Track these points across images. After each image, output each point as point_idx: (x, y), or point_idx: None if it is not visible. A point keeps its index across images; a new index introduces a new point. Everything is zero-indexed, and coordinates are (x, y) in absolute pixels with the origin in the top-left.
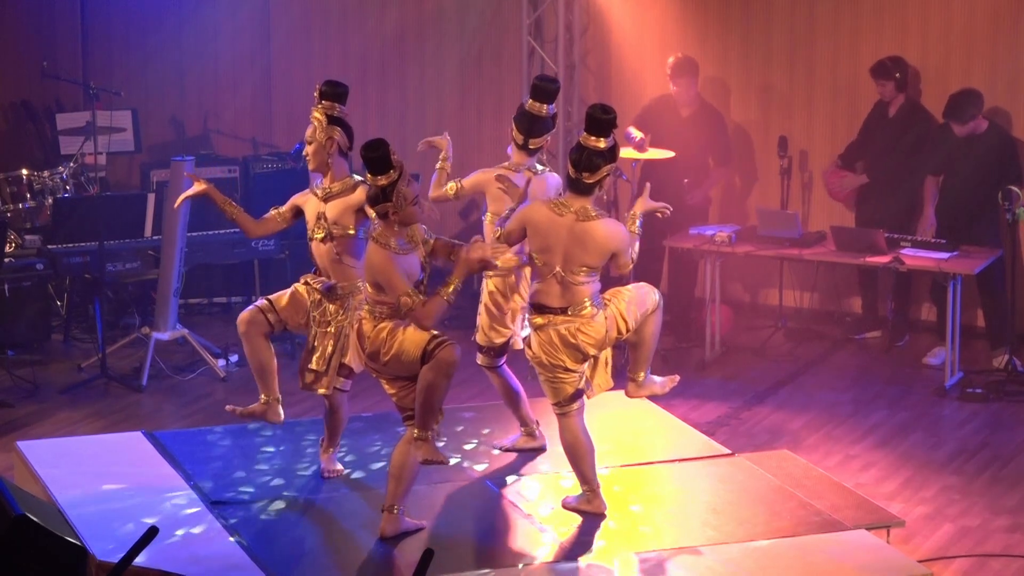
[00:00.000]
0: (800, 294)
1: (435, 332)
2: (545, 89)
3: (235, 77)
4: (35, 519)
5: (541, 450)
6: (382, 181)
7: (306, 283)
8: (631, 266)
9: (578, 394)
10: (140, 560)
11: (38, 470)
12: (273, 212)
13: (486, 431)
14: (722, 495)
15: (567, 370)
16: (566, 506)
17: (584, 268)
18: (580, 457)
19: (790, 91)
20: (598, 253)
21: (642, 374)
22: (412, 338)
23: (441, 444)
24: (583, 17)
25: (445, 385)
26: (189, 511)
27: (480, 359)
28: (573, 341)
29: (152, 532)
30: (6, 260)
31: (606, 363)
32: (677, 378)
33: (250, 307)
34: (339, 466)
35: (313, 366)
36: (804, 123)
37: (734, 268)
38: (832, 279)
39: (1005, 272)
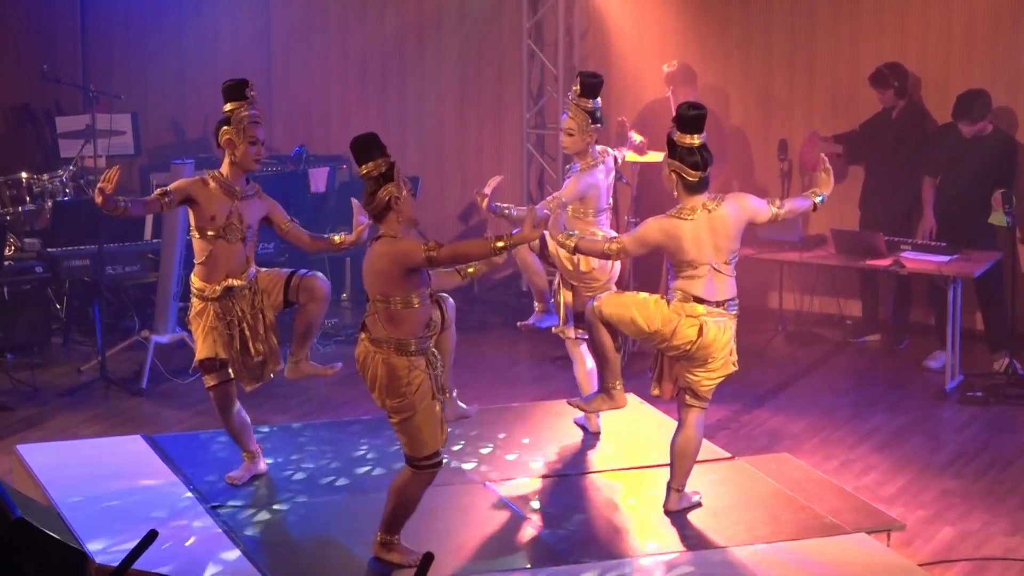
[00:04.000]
0: (800, 297)
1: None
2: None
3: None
4: (34, 523)
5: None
6: (382, 167)
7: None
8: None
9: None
10: (140, 564)
11: (37, 473)
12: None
13: (473, 433)
14: (722, 498)
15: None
16: (573, 403)
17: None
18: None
19: (790, 94)
20: (739, 232)
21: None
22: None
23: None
24: (583, 20)
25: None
26: (188, 515)
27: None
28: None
29: (151, 536)
30: (6, 263)
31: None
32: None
33: (220, 385)
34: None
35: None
36: (804, 126)
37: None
38: (832, 282)
39: (1004, 275)
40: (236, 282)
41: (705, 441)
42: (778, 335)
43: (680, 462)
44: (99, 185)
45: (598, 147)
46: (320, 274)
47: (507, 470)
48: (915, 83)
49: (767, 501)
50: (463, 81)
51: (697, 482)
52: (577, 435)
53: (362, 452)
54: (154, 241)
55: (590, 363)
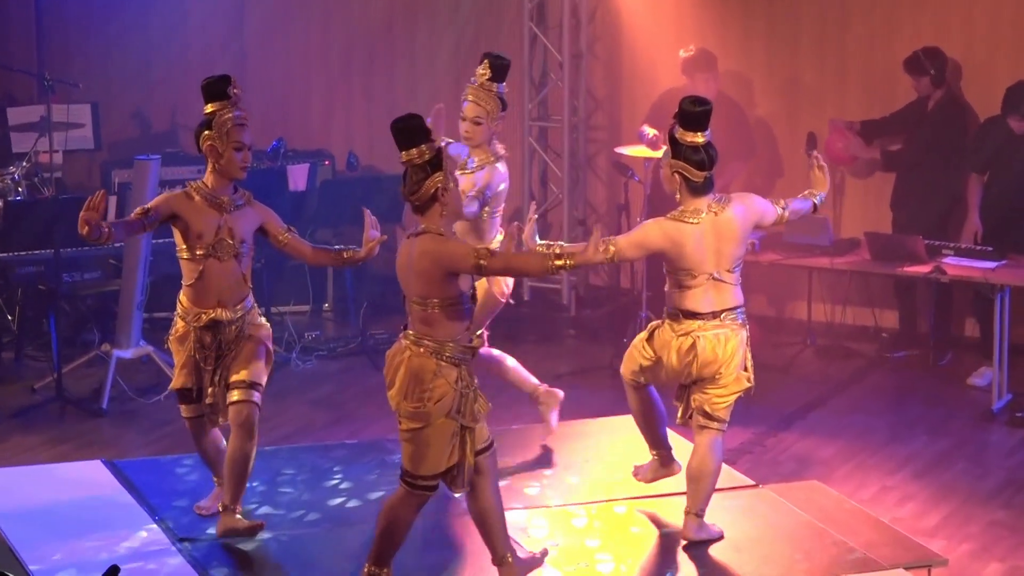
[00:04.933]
0: (831, 307)
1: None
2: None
3: (206, 67)
4: None
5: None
6: (427, 154)
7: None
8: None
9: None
10: None
11: None
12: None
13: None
14: (745, 531)
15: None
16: (639, 478)
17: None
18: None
19: (820, 82)
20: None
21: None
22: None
23: None
24: (591, 1)
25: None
26: (155, 548)
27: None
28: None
29: (113, 572)
30: None
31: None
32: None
33: (197, 418)
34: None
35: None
36: (835, 117)
37: (757, 279)
38: (866, 291)
39: None
40: (226, 314)
41: (726, 467)
42: (807, 349)
43: (695, 487)
44: (83, 215)
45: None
46: (255, 400)
47: (511, 498)
48: (954, 71)
49: (795, 534)
50: (458, 69)
51: (718, 513)
52: (584, 460)
53: (335, 481)
54: (116, 245)
55: (510, 361)
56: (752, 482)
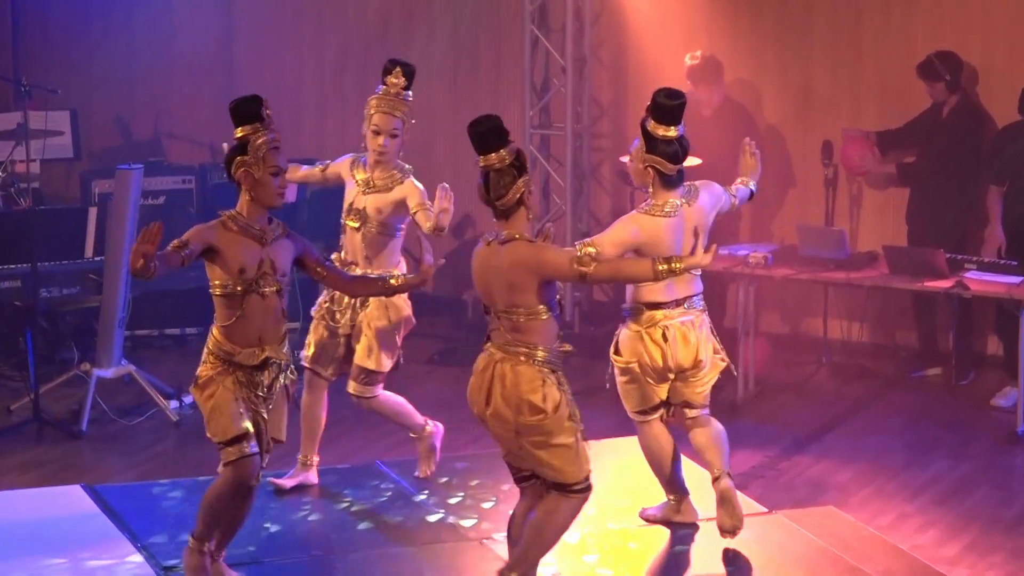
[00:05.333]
0: (847, 324)
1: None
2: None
3: (192, 72)
4: None
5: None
6: (509, 157)
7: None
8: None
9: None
10: None
11: None
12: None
13: (474, 482)
14: (758, 558)
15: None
16: (646, 518)
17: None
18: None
19: (833, 90)
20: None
21: None
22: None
23: (435, 499)
24: (595, 3)
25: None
26: None
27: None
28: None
29: None
30: None
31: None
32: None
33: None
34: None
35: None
36: (850, 125)
37: (770, 294)
38: (885, 307)
39: None
40: (274, 356)
41: (737, 492)
42: (822, 368)
43: (712, 452)
44: (139, 247)
45: None
46: (256, 461)
47: (502, 526)
48: (970, 76)
49: (810, 562)
50: (455, 73)
51: (728, 540)
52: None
53: (345, 505)
54: (96, 259)
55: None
56: (765, 508)
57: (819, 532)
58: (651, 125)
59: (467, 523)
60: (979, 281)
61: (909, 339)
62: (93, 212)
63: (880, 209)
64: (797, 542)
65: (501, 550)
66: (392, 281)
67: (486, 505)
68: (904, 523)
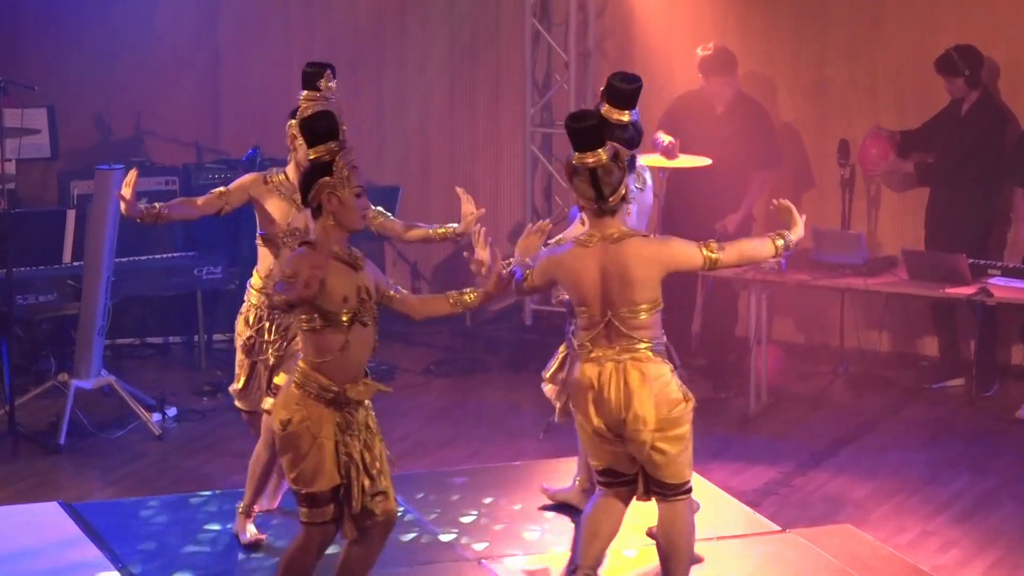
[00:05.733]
0: (865, 333)
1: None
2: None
3: (175, 68)
4: None
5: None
6: (608, 153)
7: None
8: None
9: None
10: None
11: None
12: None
13: (488, 500)
14: None
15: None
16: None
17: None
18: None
19: (851, 85)
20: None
21: None
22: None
23: (432, 516)
24: None
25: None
26: None
27: None
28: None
29: None
30: None
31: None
32: None
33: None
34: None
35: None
36: (867, 123)
37: (784, 301)
38: (904, 314)
39: None
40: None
41: (750, 511)
42: (838, 379)
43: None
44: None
45: None
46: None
47: (509, 544)
48: (992, 73)
49: None
50: (453, 70)
51: (741, 561)
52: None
53: None
54: (74, 264)
55: None
56: (778, 527)
57: (836, 552)
58: (606, 109)
59: (466, 542)
60: (1003, 287)
61: (929, 348)
62: (71, 215)
63: (899, 212)
64: (812, 562)
65: (501, 571)
66: (466, 298)
67: (487, 523)
68: (925, 542)
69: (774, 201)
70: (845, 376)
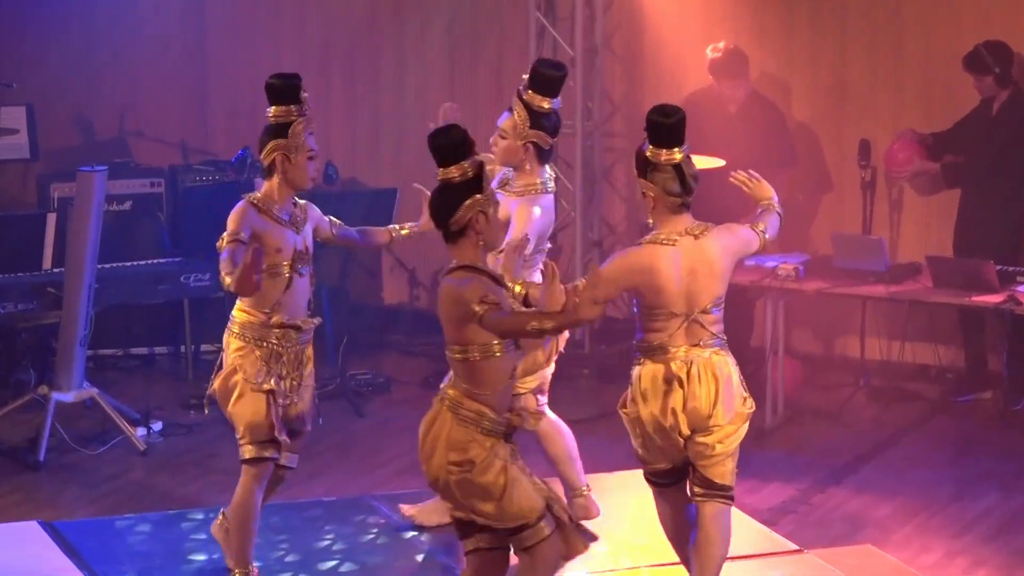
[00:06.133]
0: (887, 343)
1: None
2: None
3: (160, 65)
4: None
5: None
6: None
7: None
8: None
9: None
10: None
11: None
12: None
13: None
14: None
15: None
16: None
17: None
18: None
19: (871, 83)
20: None
21: None
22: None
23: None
24: None
25: None
26: None
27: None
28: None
29: None
30: None
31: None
32: None
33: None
34: None
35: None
36: (889, 124)
37: (802, 309)
38: (928, 324)
39: None
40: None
41: (766, 530)
42: (859, 391)
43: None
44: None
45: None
46: None
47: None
48: (1022, 69)
49: None
50: (453, 67)
51: None
52: (604, 520)
53: (327, 543)
54: (55, 271)
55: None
56: (796, 546)
57: (856, 573)
58: (529, 96)
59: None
60: None
61: (956, 359)
62: (52, 219)
63: (923, 215)
64: None
65: None
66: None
67: None
68: (951, 563)
69: (734, 175)
70: (866, 389)
